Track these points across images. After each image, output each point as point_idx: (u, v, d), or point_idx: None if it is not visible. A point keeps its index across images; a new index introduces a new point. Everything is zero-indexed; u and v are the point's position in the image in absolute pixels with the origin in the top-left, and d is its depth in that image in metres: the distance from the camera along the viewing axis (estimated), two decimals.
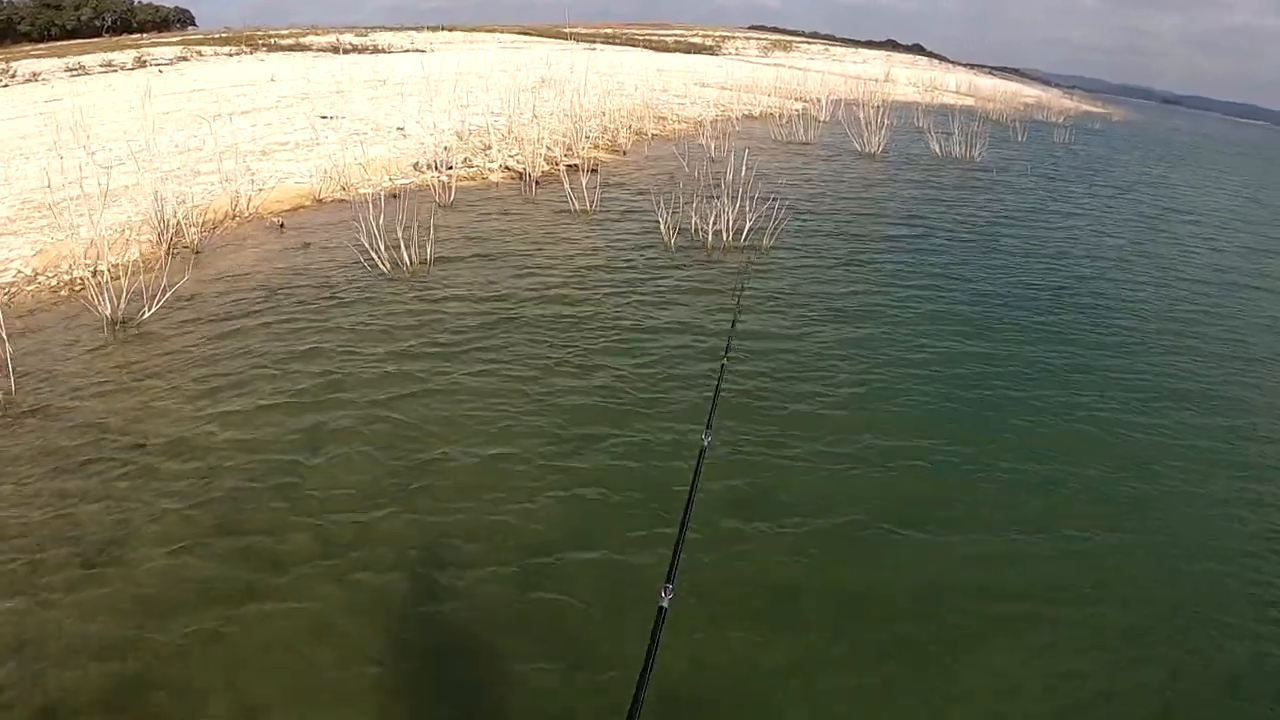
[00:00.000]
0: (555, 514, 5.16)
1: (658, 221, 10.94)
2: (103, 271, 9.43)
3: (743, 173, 11.60)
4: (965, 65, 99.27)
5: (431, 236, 9.72)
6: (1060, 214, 16.24)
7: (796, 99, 30.40)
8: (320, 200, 12.92)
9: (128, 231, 10.96)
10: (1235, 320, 10.52)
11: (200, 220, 11.64)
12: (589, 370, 7.09)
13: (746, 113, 27.16)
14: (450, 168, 15.05)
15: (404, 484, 5.36)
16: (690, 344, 7.66)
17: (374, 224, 9.21)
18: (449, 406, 6.34)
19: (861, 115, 22.31)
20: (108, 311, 8.01)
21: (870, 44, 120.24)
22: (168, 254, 10.19)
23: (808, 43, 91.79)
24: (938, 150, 21.98)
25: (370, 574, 4.57)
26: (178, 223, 10.49)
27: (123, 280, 8.46)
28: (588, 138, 17.79)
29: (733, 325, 3.88)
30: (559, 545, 4.87)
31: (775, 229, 10.92)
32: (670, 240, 10.66)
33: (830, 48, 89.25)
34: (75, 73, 36.36)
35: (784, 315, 8.68)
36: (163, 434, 5.93)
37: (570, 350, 7.43)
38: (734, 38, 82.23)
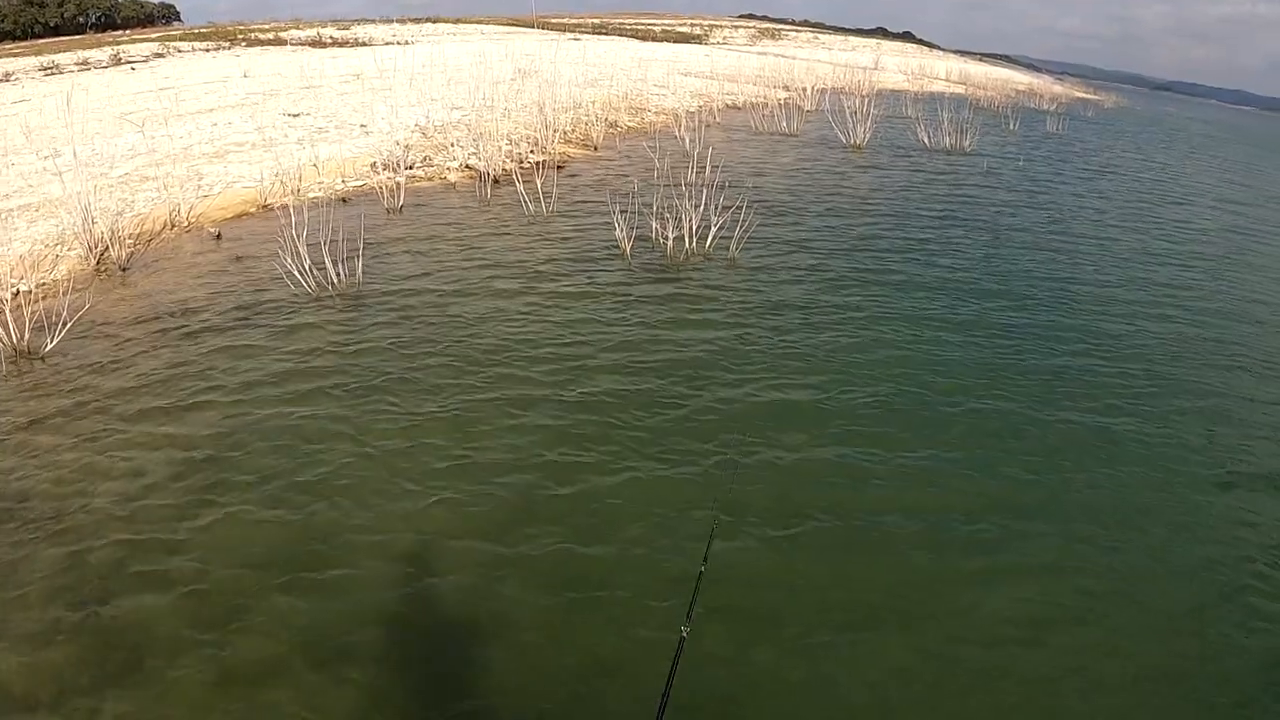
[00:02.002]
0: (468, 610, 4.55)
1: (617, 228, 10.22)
2: (25, 292, 8.84)
3: (708, 172, 10.92)
4: (956, 52, 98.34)
5: (361, 253, 9.06)
6: (1059, 208, 15.60)
7: (782, 88, 29.63)
8: (267, 206, 12.23)
9: (59, 246, 10.34)
10: (1217, 297, 10.77)
11: (136, 231, 11.01)
12: (515, 419, 6.43)
13: (730, 103, 26.41)
14: (409, 168, 14.38)
15: (292, 562, 4.73)
16: (629, 388, 6.92)
17: (299, 240, 8.53)
18: (350, 468, 5.65)
19: (848, 105, 21.59)
20: (13, 341, 7.38)
21: (860, 32, 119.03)
22: (96, 271, 9.58)
23: (797, 31, 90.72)
24: (926, 140, 21.27)
25: (242, 663, 4.04)
26: (109, 237, 9.80)
27: (31, 306, 7.86)
28: (557, 132, 17.09)
29: (711, 537, 3.24)
30: (472, 638, 4.32)
31: (742, 235, 10.19)
32: (627, 249, 9.95)
33: (819, 35, 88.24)
34: (49, 72, 35.48)
35: (743, 332, 8.06)
36: (34, 492, 5.32)
37: (494, 395, 6.71)
38: (722, 26, 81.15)
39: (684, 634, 2.58)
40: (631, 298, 8.70)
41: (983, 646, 4.41)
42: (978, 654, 4.36)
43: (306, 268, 8.45)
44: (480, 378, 6.92)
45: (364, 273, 8.94)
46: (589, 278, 9.29)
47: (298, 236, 8.47)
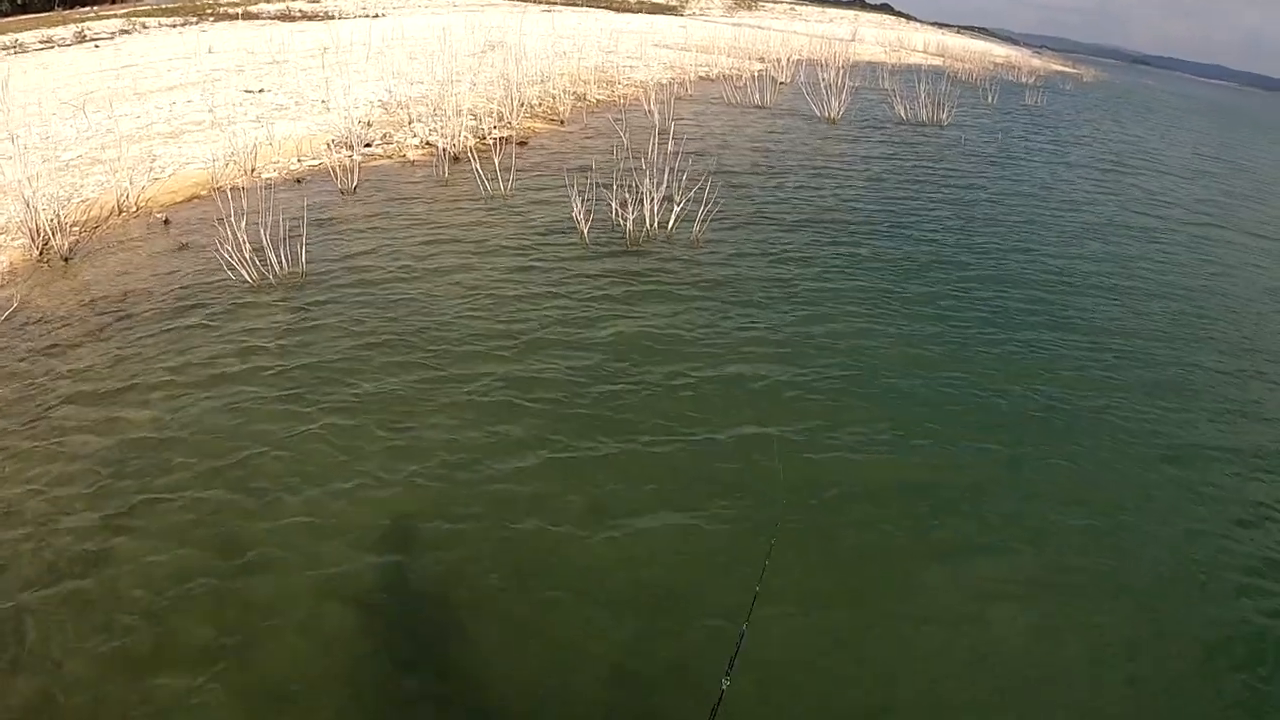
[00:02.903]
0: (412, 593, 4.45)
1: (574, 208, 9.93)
2: None
3: (670, 146, 10.61)
4: (934, 25, 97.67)
5: (304, 238, 8.76)
6: (1036, 181, 15.49)
7: (757, 59, 29.20)
8: (219, 188, 11.83)
9: (3, 236, 10.00)
10: (1185, 270, 10.83)
11: (83, 219, 10.67)
12: (451, 402, 6.25)
13: (703, 74, 26.00)
14: (367, 145, 14.04)
15: (215, 585, 4.53)
16: (571, 375, 6.74)
17: (240, 228, 8.23)
18: (283, 476, 5.44)
19: (824, 77, 21.23)
20: None
21: (838, 4, 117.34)
22: (39, 261, 9.25)
23: (774, 2, 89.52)
24: (903, 113, 20.99)
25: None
26: (53, 225, 9.45)
27: None
28: (524, 106, 16.71)
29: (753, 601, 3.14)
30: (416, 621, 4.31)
31: (707, 214, 9.91)
32: (584, 230, 9.68)
33: (796, 7, 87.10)
34: (11, 50, 34.51)
35: (697, 311, 7.87)
36: None
37: (433, 378, 6.53)
38: None
39: (724, 687, 2.57)
40: (586, 281, 8.51)
41: (942, 623, 4.54)
42: (935, 629, 4.49)
43: (246, 256, 8.17)
44: (421, 362, 6.77)
45: (309, 257, 8.68)
46: (541, 261, 9.05)
47: (237, 224, 8.20)
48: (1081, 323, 8.66)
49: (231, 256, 8.10)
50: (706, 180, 10.42)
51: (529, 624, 4.32)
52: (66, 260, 9.23)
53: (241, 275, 8.18)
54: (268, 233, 8.42)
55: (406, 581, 4.59)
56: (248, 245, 8.23)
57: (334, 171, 11.57)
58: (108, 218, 10.83)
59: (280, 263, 8.37)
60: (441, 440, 5.74)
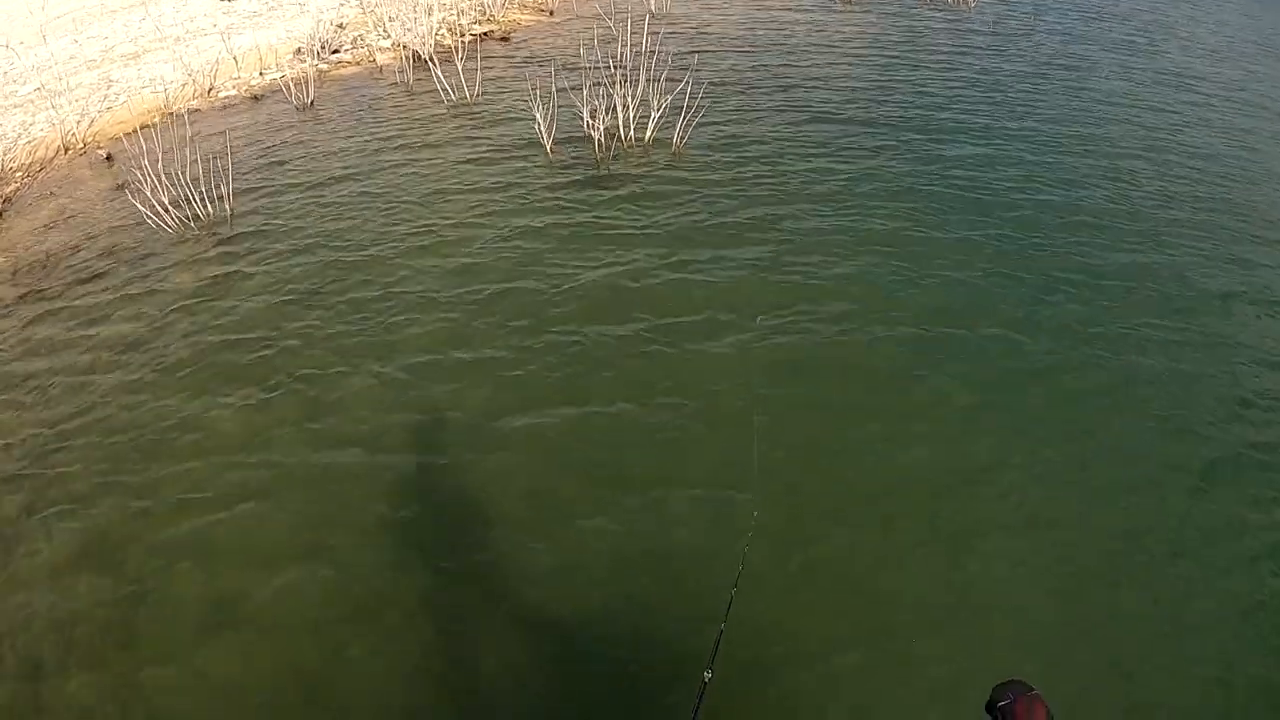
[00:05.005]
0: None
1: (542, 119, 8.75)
2: None
3: (645, 44, 9.34)
4: None
5: (230, 180, 7.95)
6: (1081, 73, 13.29)
7: None
8: (171, 113, 10.97)
9: None
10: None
11: (28, 161, 10.01)
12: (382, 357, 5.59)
13: None
14: (335, 52, 12.92)
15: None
16: (525, 311, 5.99)
17: (160, 170, 7.45)
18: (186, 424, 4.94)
19: None
20: None
21: None
22: None
23: None
24: None
25: None
26: None
27: None
28: None
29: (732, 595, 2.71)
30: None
31: (688, 123, 8.65)
32: (548, 144, 8.58)
33: None
34: None
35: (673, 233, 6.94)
36: None
37: (361, 369, 5.71)
38: None
39: (706, 678, 2.50)
40: (544, 215, 7.48)
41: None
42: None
43: (166, 203, 7.36)
44: (345, 326, 6.03)
45: (243, 196, 7.93)
46: (499, 188, 8.05)
47: (170, 160, 7.41)
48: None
49: (154, 204, 7.31)
50: (688, 81, 9.13)
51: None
52: (1, 214, 8.59)
53: (163, 225, 7.42)
54: (200, 171, 7.66)
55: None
56: (171, 189, 7.47)
57: (287, 88, 10.56)
58: (53, 158, 10.13)
59: (205, 208, 7.58)
60: (361, 430, 5.05)
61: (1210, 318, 6.19)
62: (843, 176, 8.05)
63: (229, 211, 7.70)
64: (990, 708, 1.84)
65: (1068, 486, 4.67)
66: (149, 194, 7.30)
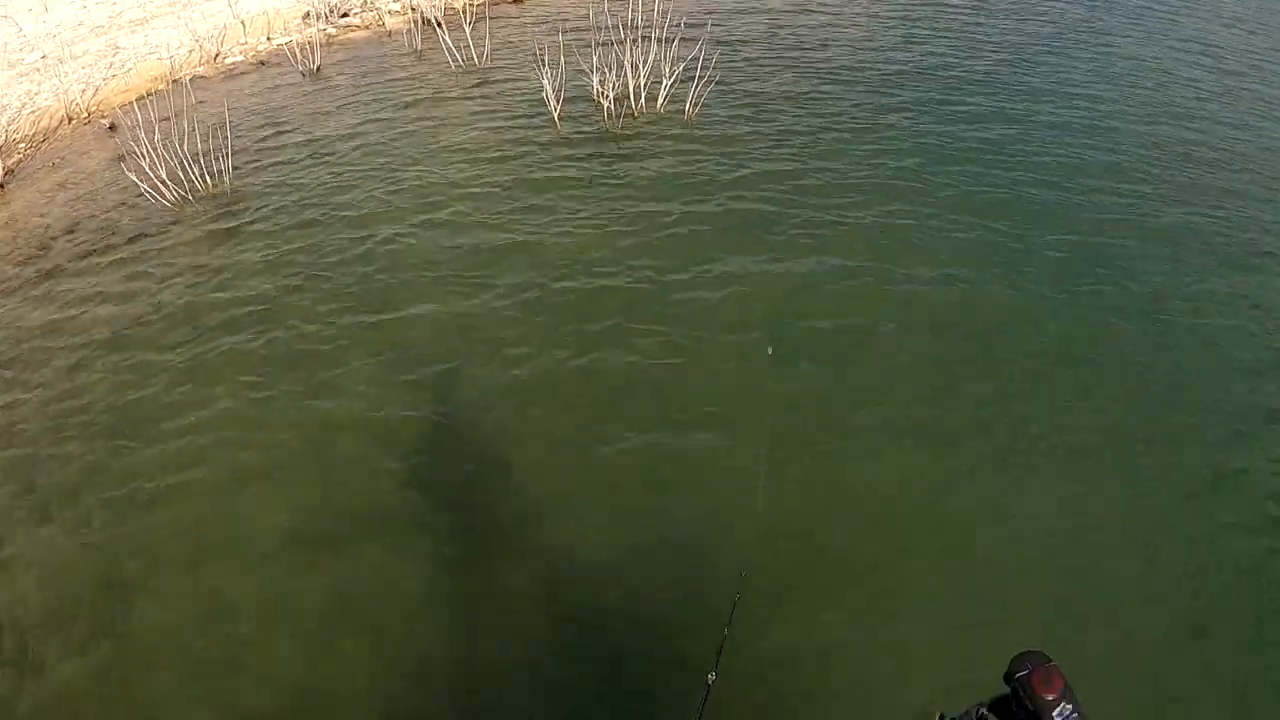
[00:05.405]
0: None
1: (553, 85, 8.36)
2: None
3: (657, 5, 8.91)
4: None
5: (230, 150, 7.73)
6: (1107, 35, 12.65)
7: None
8: (177, 81, 10.75)
9: None
10: None
11: (31, 132, 9.86)
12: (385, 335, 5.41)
13: None
14: (344, 15, 12.58)
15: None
16: (526, 302, 5.73)
17: (155, 142, 7.23)
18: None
19: None
20: None
21: None
22: None
23: None
24: None
25: None
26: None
27: None
28: None
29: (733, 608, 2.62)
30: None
31: (701, 89, 8.24)
32: (556, 112, 8.24)
33: None
34: None
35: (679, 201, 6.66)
36: None
37: (359, 349, 5.52)
38: None
39: (710, 681, 2.52)
40: (552, 187, 7.20)
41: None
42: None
43: (165, 177, 7.15)
44: (345, 305, 5.82)
45: (245, 167, 7.74)
46: (510, 151, 7.78)
47: (171, 130, 7.17)
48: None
49: (152, 179, 7.12)
50: (700, 48, 8.69)
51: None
52: (2, 186, 8.46)
53: (162, 199, 7.21)
54: (200, 143, 7.46)
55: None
56: (170, 163, 7.25)
57: (293, 54, 10.29)
58: (57, 128, 9.97)
59: (205, 181, 7.38)
60: (360, 414, 4.89)
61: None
62: (862, 140, 7.71)
63: (228, 185, 7.49)
64: (1009, 678, 1.88)
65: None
66: (147, 169, 7.10)
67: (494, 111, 8.71)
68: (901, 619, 3.73)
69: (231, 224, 6.95)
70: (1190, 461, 4.48)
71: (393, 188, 7.34)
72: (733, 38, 10.37)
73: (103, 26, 13.50)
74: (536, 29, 11.25)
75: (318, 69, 10.26)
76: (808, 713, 3.49)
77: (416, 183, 7.41)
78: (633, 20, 8.97)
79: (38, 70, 11.85)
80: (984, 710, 1.95)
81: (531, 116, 8.45)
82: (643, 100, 8.36)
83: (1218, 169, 7.44)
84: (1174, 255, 6.14)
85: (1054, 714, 1.79)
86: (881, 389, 4.86)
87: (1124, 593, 3.84)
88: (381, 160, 7.79)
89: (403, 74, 10.10)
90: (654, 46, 8.42)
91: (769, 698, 3.49)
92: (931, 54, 9.97)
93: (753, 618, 3.27)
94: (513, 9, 12.45)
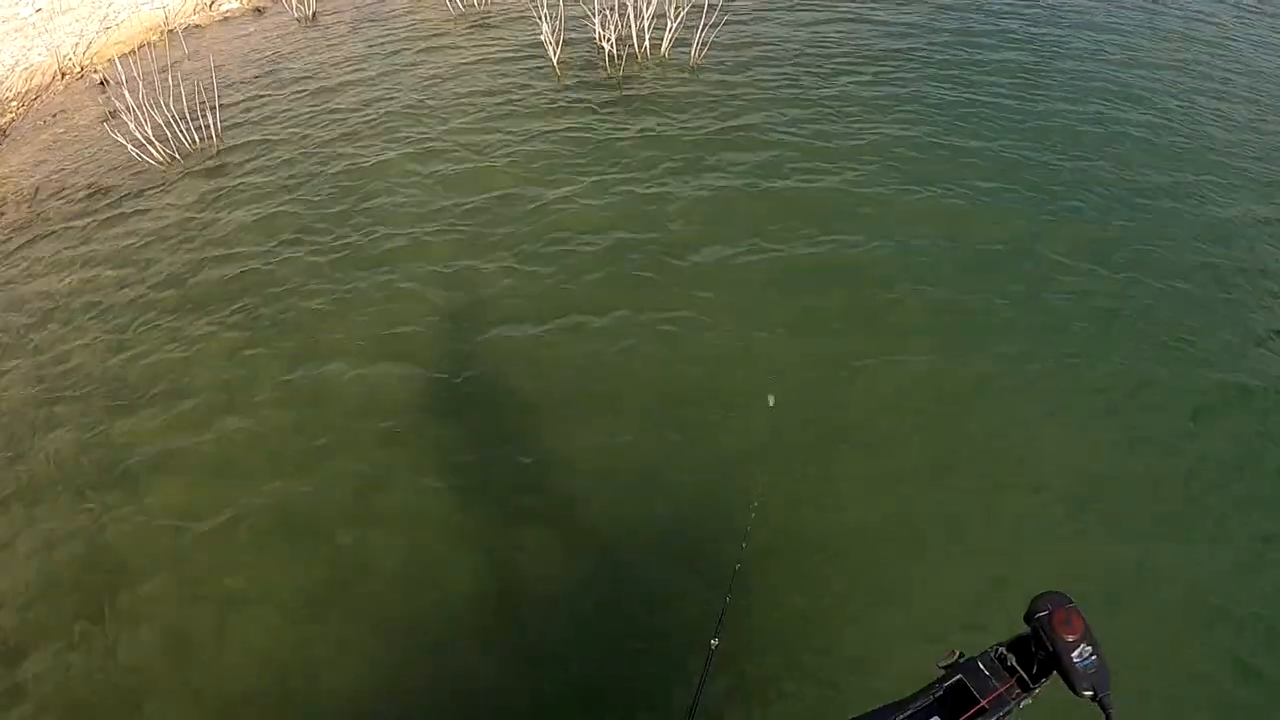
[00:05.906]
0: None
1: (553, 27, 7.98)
2: None
3: None
4: None
5: (218, 107, 7.49)
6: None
7: None
8: (171, 31, 10.47)
9: None
10: None
11: (24, 89, 9.65)
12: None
13: None
14: None
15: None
16: (525, 255, 5.52)
17: (140, 99, 7.01)
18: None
19: None
20: None
21: None
22: None
23: None
24: None
25: None
26: None
27: None
28: None
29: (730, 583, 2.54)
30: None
31: (706, 33, 7.79)
32: (555, 58, 7.89)
33: None
34: None
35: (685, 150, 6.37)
36: None
37: (350, 317, 5.31)
38: None
39: (714, 645, 2.43)
40: (552, 137, 6.89)
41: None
42: None
43: (152, 135, 6.93)
44: (336, 263, 5.64)
45: (237, 117, 7.53)
46: (509, 98, 7.47)
47: (161, 84, 6.93)
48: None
49: (138, 137, 6.90)
50: None
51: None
52: None
53: (149, 158, 7.01)
54: (188, 98, 7.25)
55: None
56: (157, 119, 7.03)
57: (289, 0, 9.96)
58: (49, 84, 9.76)
59: (192, 137, 7.16)
60: (355, 377, 4.74)
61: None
62: (873, 88, 7.28)
63: (216, 141, 7.26)
64: (1029, 618, 1.82)
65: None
66: (133, 128, 6.88)
67: (493, 58, 8.35)
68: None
69: (221, 181, 6.74)
70: None
71: (387, 140, 7.09)
72: None
73: None
74: None
75: (313, 15, 9.94)
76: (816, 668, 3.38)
77: (412, 135, 7.15)
78: None
79: (33, 25, 11.58)
80: (1003, 650, 1.84)
81: (532, 61, 8.10)
82: (646, 44, 7.97)
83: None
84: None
85: (1073, 655, 1.73)
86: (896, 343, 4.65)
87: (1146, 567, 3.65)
88: (376, 112, 7.52)
89: (400, 19, 9.74)
90: None
91: (780, 656, 3.41)
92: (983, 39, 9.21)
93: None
94: None
